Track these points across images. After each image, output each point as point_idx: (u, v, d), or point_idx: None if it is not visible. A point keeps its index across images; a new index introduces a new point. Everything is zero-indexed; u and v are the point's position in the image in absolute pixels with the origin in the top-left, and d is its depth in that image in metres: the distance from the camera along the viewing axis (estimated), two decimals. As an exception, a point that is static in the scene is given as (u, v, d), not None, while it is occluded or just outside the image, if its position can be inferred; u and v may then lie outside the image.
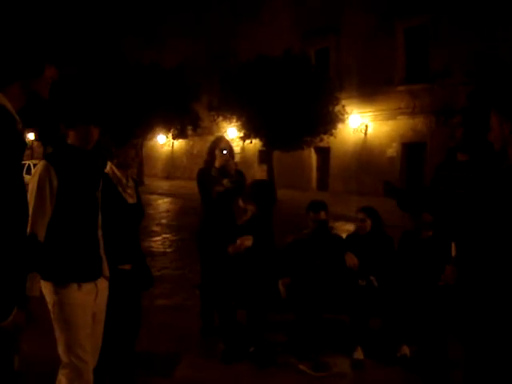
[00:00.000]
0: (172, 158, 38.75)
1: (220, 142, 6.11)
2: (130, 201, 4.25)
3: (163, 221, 16.98)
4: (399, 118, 24.34)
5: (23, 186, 2.51)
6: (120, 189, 4.15)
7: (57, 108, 3.62)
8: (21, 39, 2.58)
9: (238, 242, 5.58)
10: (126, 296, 4.20)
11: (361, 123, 25.58)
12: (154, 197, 25.22)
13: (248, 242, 5.57)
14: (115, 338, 4.06)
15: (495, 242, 3.22)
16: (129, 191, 4.25)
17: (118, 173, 4.18)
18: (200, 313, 6.26)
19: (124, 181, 4.20)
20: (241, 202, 5.90)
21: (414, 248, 5.73)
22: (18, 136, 2.44)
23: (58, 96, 3.58)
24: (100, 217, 3.60)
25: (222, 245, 5.82)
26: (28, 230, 3.00)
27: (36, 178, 3.25)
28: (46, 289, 3.32)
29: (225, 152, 5.97)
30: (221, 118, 24.17)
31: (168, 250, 11.98)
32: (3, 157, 2.31)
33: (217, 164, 5.97)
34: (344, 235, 6.27)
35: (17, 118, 2.48)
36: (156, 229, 14.95)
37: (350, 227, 6.23)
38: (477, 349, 3.37)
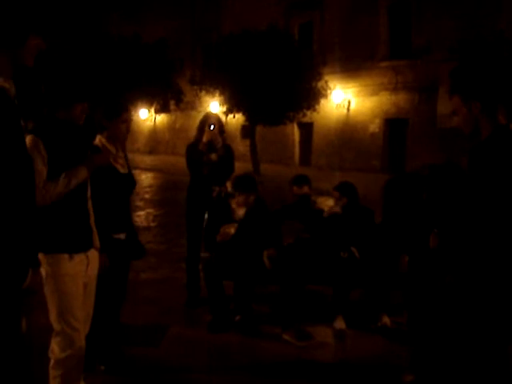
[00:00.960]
0: (154, 132, 38.59)
1: (208, 118, 6.28)
2: (122, 171, 4.33)
3: (146, 196, 16.99)
4: (382, 93, 24.43)
5: (25, 151, 2.58)
6: (111, 159, 4.22)
7: (45, 87, 3.65)
8: (3, 8, 2.62)
9: (222, 230, 5.71)
10: (120, 265, 4.29)
11: (343, 99, 25.63)
12: (137, 172, 25.10)
13: (231, 229, 5.70)
14: (104, 307, 4.16)
15: (474, 216, 3.35)
16: (120, 161, 4.32)
17: (107, 144, 4.24)
18: (186, 285, 6.39)
19: (114, 151, 4.27)
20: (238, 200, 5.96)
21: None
22: (10, 103, 2.50)
23: (43, 74, 3.62)
24: (89, 189, 3.68)
25: (210, 219, 5.98)
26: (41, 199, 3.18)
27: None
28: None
29: (212, 127, 6.13)
30: (203, 93, 24.10)
31: (152, 225, 12.04)
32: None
33: (204, 139, 6.13)
34: (326, 209, 6.39)
35: (6, 85, 2.54)
36: (139, 203, 14.97)
37: (332, 202, 6.35)
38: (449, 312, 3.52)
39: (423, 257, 5.19)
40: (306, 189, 6.15)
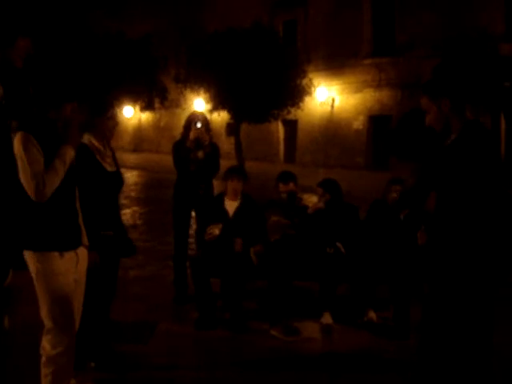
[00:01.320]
0: (139, 130, 38.44)
1: (195, 116, 6.36)
2: (109, 169, 4.34)
3: (132, 194, 16.97)
4: (366, 90, 24.53)
5: (11, 150, 2.61)
6: (99, 157, 4.24)
7: (34, 88, 3.67)
8: None
9: (207, 230, 5.76)
10: (108, 262, 4.31)
11: (328, 96, 25.72)
12: (122, 170, 24.59)
13: (215, 230, 5.75)
14: (94, 304, 4.19)
15: (454, 212, 3.43)
16: (108, 160, 4.34)
17: (95, 142, 4.26)
18: (173, 282, 6.42)
19: (102, 150, 4.29)
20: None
21: (383, 215, 5.97)
22: None
23: (31, 74, 3.64)
24: (77, 187, 3.71)
25: (199, 217, 6.06)
26: (42, 189, 3.25)
27: (20, 145, 3.33)
28: (28, 258, 3.43)
29: (199, 125, 6.19)
30: (188, 91, 24.03)
31: (138, 223, 12.03)
32: None
33: (191, 136, 6.18)
34: (310, 205, 6.45)
35: None
36: (125, 201, 14.93)
37: (316, 199, 6.42)
38: (435, 307, 3.59)
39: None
40: (291, 185, 6.21)
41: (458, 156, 3.38)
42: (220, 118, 23.97)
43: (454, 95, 3.47)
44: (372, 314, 5.75)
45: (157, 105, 31.49)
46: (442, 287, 3.48)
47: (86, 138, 4.21)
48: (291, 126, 27.40)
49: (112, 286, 4.56)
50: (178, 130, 6.54)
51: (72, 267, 3.57)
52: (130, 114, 35.02)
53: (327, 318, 5.62)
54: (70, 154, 3.48)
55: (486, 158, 3.34)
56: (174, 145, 6.48)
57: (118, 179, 4.49)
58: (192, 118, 6.37)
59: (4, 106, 2.59)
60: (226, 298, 5.78)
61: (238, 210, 5.99)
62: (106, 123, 4.32)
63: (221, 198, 6.08)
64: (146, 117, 36.89)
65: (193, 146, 6.24)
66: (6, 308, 2.63)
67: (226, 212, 5.97)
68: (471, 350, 3.45)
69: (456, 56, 16.79)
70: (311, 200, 6.96)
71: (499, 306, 3.59)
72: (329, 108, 25.86)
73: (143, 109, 32.16)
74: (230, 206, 6.01)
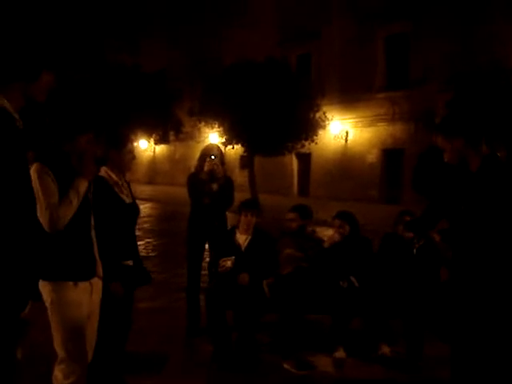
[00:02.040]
0: (154, 162, 38.77)
1: (210, 149, 6.42)
2: (127, 201, 4.41)
3: (146, 225, 17.02)
4: (379, 124, 24.65)
5: (29, 180, 2.66)
6: (117, 190, 4.30)
7: (49, 119, 3.73)
8: (20, 43, 2.71)
9: (220, 263, 5.81)
10: (128, 292, 4.36)
11: (341, 129, 25.86)
12: (136, 202, 25.14)
13: (228, 263, 5.79)
14: (110, 335, 4.20)
15: (481, 246, 3.43)
16: (125, 192, 4.41)
17: (113, 175, 4.33)
18: (186, 314, 6.41)
19: (119, 182, 4.36)
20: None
21: (394, 249, 5.96)
22: (18, 133, 2.58)
23: (48, 106, 3.70)
24: (92, 218, 3.75)
25: (211, 249, 6.08)
26: (55, 221, 3.31)
27: (36, 176, 3.37)
28: (43, 287, 3.45)
29: (213, 157, 6.24)
30: (203, 124, 24.25)
31: (151, 255, 12.06)
32: (5, 154, 2.45)
33: (205, 168, 6.24)
34: (325, 239, 6.45)
35: (16, 116, 2.62)
36: (139, 233, 14.97)
37: (331, 232, 6.41)
38: (465, 347, 3.57)
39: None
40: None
41: (481, 189, 3.40)
42: (234, 150, 24.13)
43: (467, 134, 3.50)
44: (385, 348, 5.70)
45: (171, 137, 31.75)
46: (475, 323, 3.47)
47: (104, 171, 4.26)
48: (305, 159, 27.51)
49: (128, 316, 4.57)
50: (193, 163, 6.60)
51: (86, 297, 3.59)
52: (145, 146, 35.32)
53: (340, 352, 5.58)
54: (83, 185, 3.52)
55: (507, 191, 3.35)
56: (189, 176, 6.54)
57: (135, 210, 4.54)
58: (207, 150, 6.43)
59: (23, 138, 2.64)
60: (239, 331, 5.76)
61: (249, 244, 6.01)
62: (124, 157, 4.40)
63: (233, 231, 6.11)
64: (160, 149, 37.21)
65: (207, 179, 6.29)
66: (21, 339, 2.65)
67: (237, 245, 5.98)
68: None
69: (469, 90, 16.86)
70: (325, 233, 6.96)
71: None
72: (342, 141, 25.98)
73: (158, 141, 32.45)
74: (242, 239, 6.04)
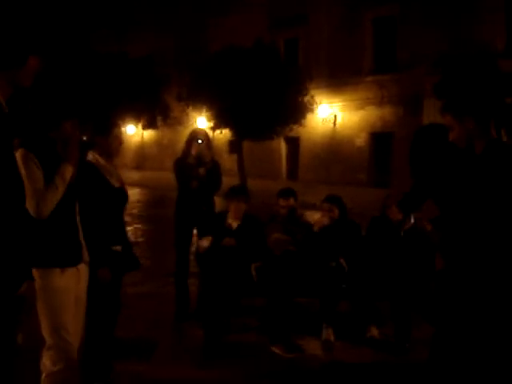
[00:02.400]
0: (142, 148, 38.58)
1: (197, 133, 6.43)
2: (117, 185, 4.39)
3: (134, 211, 16.97)
4: (367, 108, 24.62)
5: (15, 166, 2.64)
6: (106, 174, 4.29)
7: (33, 106, 3.70)
8: (4, 30, 2.68)
9: (198, 243, 5.91)
10: (117, 277, 4.34)
11: (330, 113, 25.82)
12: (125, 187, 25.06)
13: (204, 242, 5.87)
14: (99, 321, 4.20)
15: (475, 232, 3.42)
16: (114, 176, 4.39)
17: (101, 160, 4.31)
18: (175, 299, 6.41)
19: (108, 166, 4.34)
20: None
21: (382, 232, 5.97)
22: (3, 118, 2.56)
23: (31, 92, 3.66)
24: (77, 203, 3.73)
25: (200, 234, 6.07)
26: (41, 207, 3.29)
27: (21, 162, 3.32)
28: (30, 274, 3.44)
29: (200, 141, 6.23)
30: (191, 109, 24.14)
31: (139, 240, 12.06)
32: None
33: (193, 153, 6.23)
34: (313, 223, 6.45)
35: (2, 103, 2.59)
36: (127, 219, 14.86)
37: (319, 215, 6.41)
38: (448, 330, 3.58)
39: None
40: (291, 201, 6.23)
41: (481, 175, 3.38)
42: (222, 135, 24.08)
43: (478, 114, 3.46)
44: (374, 331, 5.73)
45: (159, 123, 31.61)
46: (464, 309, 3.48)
47: (91, 156, 4.25)
48: (293, 143, 27.48)
49: (117, 301, 4.56)
50: (181, 148, 6.56)
51: (73, 283, 3.57)
52: (133, 131, 35.16)
53: (329, 335, 5.60)
54: (69, 171, 3.49)
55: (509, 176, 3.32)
56: (175, 161, 6.51)
57: (124, 195, 4.53)
58: (193, 135, 6.42)
59: (9, 124, 2.62)
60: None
61: (239, 229, 6.02)
62: (112, 142, 4.36)
63: (224, 215, 6.12)
64: (148, 135, 37.02)
65: (194, 163, 6.27)
66: (20, 318, 2.66)
67: (229, 228, 5.99)
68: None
69: (456, 73, 16.87)
70: (313, 217, 6.96)
71: None
72: (331, 125, 25.94)
73: (146, 127, 32.30)
74: (234, 225, 6.08)
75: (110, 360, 4.62)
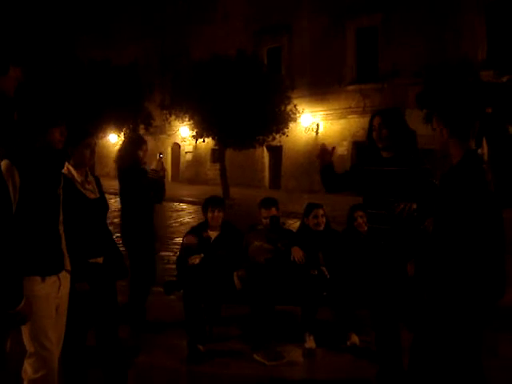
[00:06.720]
0: (124, 156, 38.41)
1: (143, 142, 6.78)
2: (92, 196, 4.33)
3: (116, 220, 16.82)
4: (350, 117, 24.79)
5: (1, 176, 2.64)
6: (78, 186, 4.23)
7: (19, 114, 3.67)
8: None
9: (189, 261, 5.90)
10: (101, 288, 4.31)
11: (312, 122, 25.96)
12: (106, 196, 24.77)
13: (196, 260, 5.89)
14: (79, 330, 4.18)
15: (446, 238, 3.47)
16: (89, 187, 4.32)
17: (73, 172, 4.24)
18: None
19: (81, 178, 4.27)
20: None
21: (352, 244, 6.06)
22: None
23: (16, 101, 3.65)
24: (61, 213, 3.72)
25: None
26: None
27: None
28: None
29: (161, 156, 6.69)
30: (173, 117, 24.10)
31: (122, 249, 11.96)
32: None
33: (157, 168, 6.57)
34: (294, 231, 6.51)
35: None
36: (109, 228, 14.85)
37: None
38: (425, 335, 3.63)
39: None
40: (273, 210, 6.28)
41: (454, 187, 3.43)
42: (205, 144, 24.08)
43: (453, 124, 3.52)
44: (355, 338, 5.75)
45: (142, 131, 31.48)
46: (438, 314, 3.52)
47: (66, 168, 4.18)
48: (276, 151, 27.55)
49: (112, 310, 4.50)
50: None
51: (54, 292, 3.57)
52: (115, 140, 34.99)
53: (310, 343, 5.62)
54: None
55: (480, 192, 3.36)
56: (128, 169, 6.68)
57: (103, 205, 4.48)
58: (144, 143, 6.70)
59: None
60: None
61: (218, 238, 6.08)
62: (83, 152, 4.29)
63: (204, 226, 6.16)
64: (130, 143, 36.82)
65: (154, 175, 6.47)
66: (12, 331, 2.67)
67: (208, 239, 6.03)
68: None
69: (438, 83, 17.03)
70: (296, 225, 6.99)
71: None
72: (313, 134, 26.07)
73: (128, 135, 32.16)
74: (213, 235, 6.13)
75: (87, 369, 4.57)
